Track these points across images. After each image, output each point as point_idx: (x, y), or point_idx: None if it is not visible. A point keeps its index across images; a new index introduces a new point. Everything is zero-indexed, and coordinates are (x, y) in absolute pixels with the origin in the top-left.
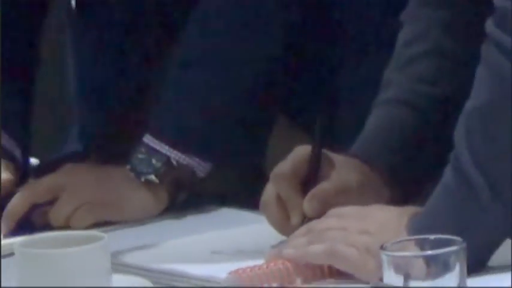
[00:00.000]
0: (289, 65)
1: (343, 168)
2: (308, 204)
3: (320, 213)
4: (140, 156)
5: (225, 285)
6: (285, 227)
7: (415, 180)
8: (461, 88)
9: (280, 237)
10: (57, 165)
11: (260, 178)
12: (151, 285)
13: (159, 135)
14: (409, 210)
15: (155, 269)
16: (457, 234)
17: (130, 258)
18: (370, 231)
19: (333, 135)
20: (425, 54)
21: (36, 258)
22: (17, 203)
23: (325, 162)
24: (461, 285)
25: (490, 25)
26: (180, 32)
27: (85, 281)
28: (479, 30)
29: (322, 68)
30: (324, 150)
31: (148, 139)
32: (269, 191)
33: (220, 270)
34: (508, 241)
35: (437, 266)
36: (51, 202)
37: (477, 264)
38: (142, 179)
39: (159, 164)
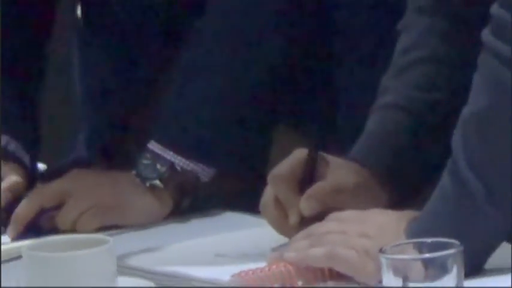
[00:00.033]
0: (290, 72)
1: (340, 170)
2: (305, 203)
3: (317, 212)
4: (145, 161)
5: (229, 287)
6: (283, 226)
7: (413, 184)
8: (457, 94)
9: (281, 240)
10: (64, 170)
11: (262, 183)
12: (156, 287)
13: (163, 142)
14: (407, 215)
15: (160, 271)
16: (455, 238)
17: (135, 261)
18: (370, 235)
19: (332, 139)
20: (421, 61)
21: (43, 261)
22: (25, 207)
23: (322, 164)
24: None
25: (486, 34)
26: (185, 40)
27: (91, 284)
28: (475, 37)
29: (323, 76)
30: (322, 153)
31: (153, 145)
32: (268, 193)
33: (224, 273)
34: (505, 244)
35: (435, 269)
36: (58, 206)
37: (474, 268)
38: (147, 184)
39: (163, 170)
